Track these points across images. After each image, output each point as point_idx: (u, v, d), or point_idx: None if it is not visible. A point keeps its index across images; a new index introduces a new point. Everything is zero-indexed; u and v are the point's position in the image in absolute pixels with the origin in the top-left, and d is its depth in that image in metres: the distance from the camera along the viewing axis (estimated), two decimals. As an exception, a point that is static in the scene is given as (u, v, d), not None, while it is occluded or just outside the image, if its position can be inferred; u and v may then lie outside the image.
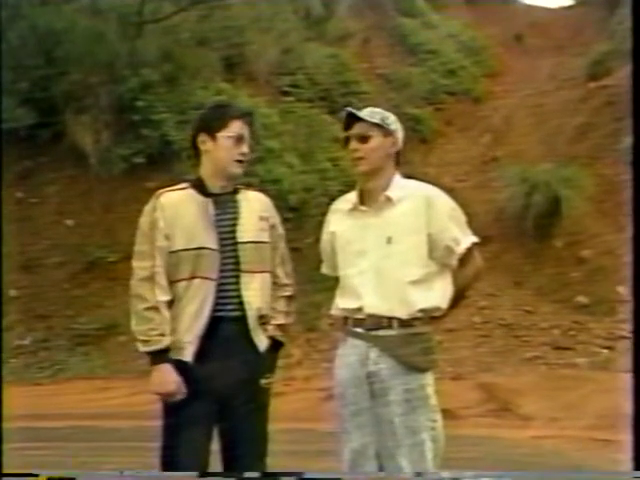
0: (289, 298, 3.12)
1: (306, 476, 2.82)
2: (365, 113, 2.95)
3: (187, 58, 13.45)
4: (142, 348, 2.89)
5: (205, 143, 3.01)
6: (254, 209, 3.03)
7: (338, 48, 15.89)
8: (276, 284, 3.07)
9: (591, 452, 5.90)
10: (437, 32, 17.83)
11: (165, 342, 2.87)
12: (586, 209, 11.90)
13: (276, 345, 3.01)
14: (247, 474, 2.84)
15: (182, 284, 2.91)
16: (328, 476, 2.89)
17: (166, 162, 12.39)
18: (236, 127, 2.99)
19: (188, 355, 2.88)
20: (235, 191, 3.05)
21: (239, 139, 3.00)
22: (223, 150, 2.98)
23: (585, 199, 11.93)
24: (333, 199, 3.19)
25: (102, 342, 10.82)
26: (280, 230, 3.14)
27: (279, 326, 3.02)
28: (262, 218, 3.03)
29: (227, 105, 3.20)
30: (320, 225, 3.16)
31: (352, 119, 2.95)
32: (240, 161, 3.00)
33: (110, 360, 10.42)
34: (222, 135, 2.98)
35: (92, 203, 12.50)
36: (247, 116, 3.07)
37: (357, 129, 2.94)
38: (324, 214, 3.17)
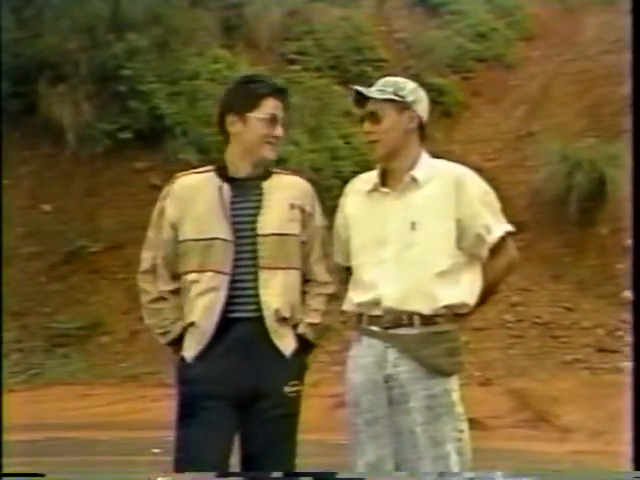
0: (329, 297, 3.08)
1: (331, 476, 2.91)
2: (375, 89, 2.96)
3: (179, 20, 13.45)
4: (162, 341, 3.05)
5: (234, 124, 3.02)
6: (285, 196, 3.01)
7: (350, 9, 15.84)
8: (313, 281, 3.07)
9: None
10: (464, -11, 17.74)
11: (180, 328, 3.00)
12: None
13: (305, 346, 3.01)
14: (274, 474, 2.90)
15: (190, 277, 2.97)
16: (353, 476, 2.92)
17: (157, 139, 12.44)
18: (269, 106, 3.00)
19: (191, 356, 2.94)
20: (265, 176, 3.05)
21: (272, 120, 3.00)
22: (254, 132, 2.99)
23: (634, 180, 11.89)
24: (345, 180, 3.21)
25: (83, 343, 10.89)
26: (318, 221, 3.10)
27: (312, 325, 3.01)
28: (293, 206, 3.00)
29: (259, 80, 3.13)
30: (330, 210, 3.16)
31: (361, 97, 2.97)
32: (273, 144, 3.02)
33: (92, 363, 10.49)
34: (253, 116, 2.99)
35: (72, 185, 12.53)
36: (281, 93, 3.07)
37: (368, 108, 2.95)
38: (335, 197, 3.18)
